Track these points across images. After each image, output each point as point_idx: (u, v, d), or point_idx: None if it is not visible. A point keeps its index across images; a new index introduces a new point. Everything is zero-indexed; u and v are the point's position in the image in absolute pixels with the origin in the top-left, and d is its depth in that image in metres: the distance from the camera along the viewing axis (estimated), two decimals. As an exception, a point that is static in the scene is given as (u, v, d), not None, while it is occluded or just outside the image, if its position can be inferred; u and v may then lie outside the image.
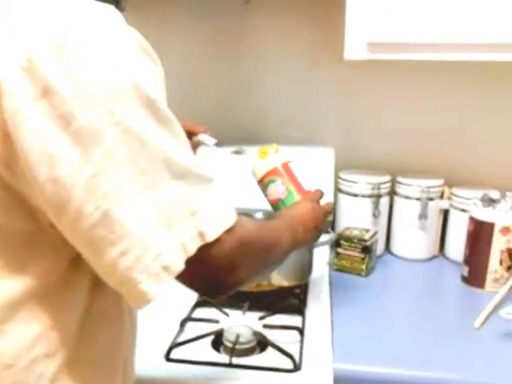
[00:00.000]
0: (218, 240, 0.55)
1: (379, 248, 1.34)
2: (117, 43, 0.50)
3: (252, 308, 1.04)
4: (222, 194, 0.58)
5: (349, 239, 1.26)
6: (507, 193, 1.22)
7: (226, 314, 1.04)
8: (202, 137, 1.03)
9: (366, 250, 1.24)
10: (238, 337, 0.92)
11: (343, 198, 1.35)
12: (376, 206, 1.31)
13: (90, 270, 0.54)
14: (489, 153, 1.40)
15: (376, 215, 1.32)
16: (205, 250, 0.54)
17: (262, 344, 0.94)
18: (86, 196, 0.48)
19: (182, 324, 0.99)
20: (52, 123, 0.47)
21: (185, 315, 1.02)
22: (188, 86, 1.45)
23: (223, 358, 0.90)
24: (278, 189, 0.92)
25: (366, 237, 1.25)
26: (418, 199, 1.30)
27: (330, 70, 1.40)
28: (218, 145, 1.03)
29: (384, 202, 1.34)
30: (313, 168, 1.33)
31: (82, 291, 0.57)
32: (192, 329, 0.98)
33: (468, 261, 1.21)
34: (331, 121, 1.44)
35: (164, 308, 1.00)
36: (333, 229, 1.37)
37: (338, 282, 1.21)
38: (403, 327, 1.03)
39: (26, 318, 0.54)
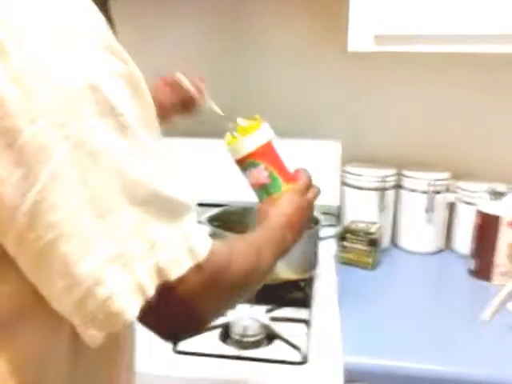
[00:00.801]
0: (181, 278, 0.47)
1: (385, 241, 1.34)
2: (73, 41, 0.43)
3: (259, 301, 1.03)
4: (194, 223, 0.50)
5: (355, 232, 1.25)
6: (514, 186, 1.21)
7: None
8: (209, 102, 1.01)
9: (372, 243, 1.23)
10: (245, 329, 0.92)
11: (349, 191, 1.35)
12: (382, 199, 1.31)
13: None
14: (495, 146, 1.39)
15: (382, 208, 1.32)
16: (165, 288, 0.46)
17: (269, 337, 0.94)
18: (29, 222, 0.42)
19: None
20: None
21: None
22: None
23: (231, 350, 0.90)
24: (260, 174, 0.80)
25: (372, 230, 1.25)
26: (424, 192, 1.30)
27: (336, 63, 1.39)
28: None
29: (390, 195, 1.33)
30: (319, 161, 1.33)
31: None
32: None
33: (475, 254, 1.20)
34: (337, 114, 1.44)
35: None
36: (339, 222, 1.36)
37: (344, 275, 1.21)
38: (410, 320, 1.03)
39: None
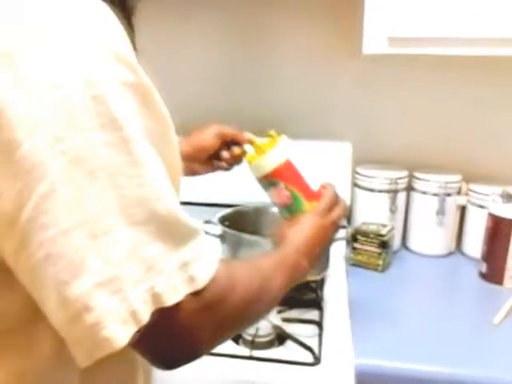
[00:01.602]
0: (177, 305, 0.44)
1: (396, 243, 1.34)
2: (80, 50, 0.41)
3: (270, 301, 1.04)
4: (201, 247, 0.48)
5: (365, 234, 1.25)
6: (526, 189, 1.21)
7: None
8: (247, 147, 0.88)
9: (383, 245, 1.23)
10: (257, 330, 0.92)
11: (360, 192, 1.35)
12: (393, 201, 1.31)
13: None
14: (507, 148, 1.39)
15: (393, 210, 1.31)
16: (161, 315, 0.44)
17: (280, 337, 0.94)
18: (22, 239, 0.41)
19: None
20: None
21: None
22: (204, 81, 1.45)
23: (243, 350, 0.90)
24: (281, 193, 0.78)
25: (383, 232, 1.25)
26: (435, 195, 1.30)
27: (348, 64, 1.39)
28: None
29: (401, 197, 1.33)
30: (330, 163, 1.33)
31: None
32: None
33: (486, 257, 1.20)
34: (349, 115, 1.44)
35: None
36: (349, 223, 1.36)
37: (355, 276, 1.21)
38: (420, 323, 1.03)
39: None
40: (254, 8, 1.39)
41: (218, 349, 0.87)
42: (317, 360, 0.86)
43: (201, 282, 0.46)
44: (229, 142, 0.93)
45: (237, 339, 0.94)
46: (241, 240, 1.04)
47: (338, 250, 1.27)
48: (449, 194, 1.30)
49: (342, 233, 1.32)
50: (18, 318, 0.47)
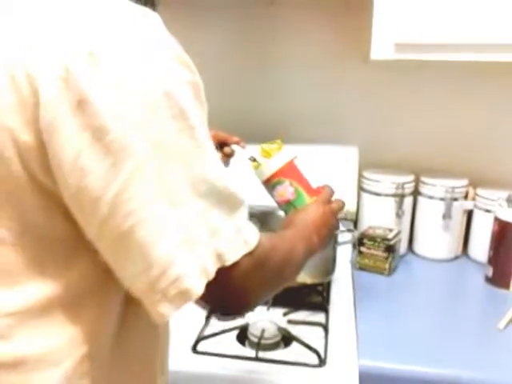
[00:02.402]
0: (236, 263, 0.53)
1: (402, 248, 1.34)
2: (152, 54, 0.49)
3: (276, 304, 1.05)
4: (246, 215, 0.57)
5: (372, 238, 1.26)
6: (533, 194, 1.21)
7: (251, 310, 1.05)
8: (236, 147, 1.05)
9: (390, 249, 1.24)
10: (263, 331, 0.93)
11: (367, 197, 1.36)
12: (399, 205, 1.32)
13: None
14: (514, 154, 1.39)
15: (399, 215, 1.32)
16: (221, 272, 0.52)
17: (286, 339, 0.95)
18: (110, 211, 0.47)
19: (208, 318, 1.01)
20: (84, 135, 0.46)
21: (210, 309, 1.04)
22: (212, 86, 1.46)
23: (249, 351, 0.91)
24: (286, 190, 0.87)
25: (390, 236, 1.26)
26: (442, 199, 1.30)
27: (355, 69, 1.40)
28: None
29: (408, 201, 1.34)
30: (336, 167, 1.34)
31: (117, 297, 0.57)
32: (217, 323, 0.99)
33: (492, 261, 1.20)
34: (355, 119, 1.45)
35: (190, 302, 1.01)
36: (356, 227, 1.37)
37: (361, 280, 1.22)
38: (426, 327, 1.03)
39: (58, 322, 0.53)
40: (263, 16, 1.40)
41: (224, 350, 0.90)
42: (322, 362, 0.87)
43: (252, 245, 0.55)
44: (221, 143, 1.07)
45: (243, 341, 0.95)
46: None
47: (345, 254, 1.28)
48: (455, 199, 1.31)
49: (348, 236, 1.33)
50: (95, 280, 0.54)
